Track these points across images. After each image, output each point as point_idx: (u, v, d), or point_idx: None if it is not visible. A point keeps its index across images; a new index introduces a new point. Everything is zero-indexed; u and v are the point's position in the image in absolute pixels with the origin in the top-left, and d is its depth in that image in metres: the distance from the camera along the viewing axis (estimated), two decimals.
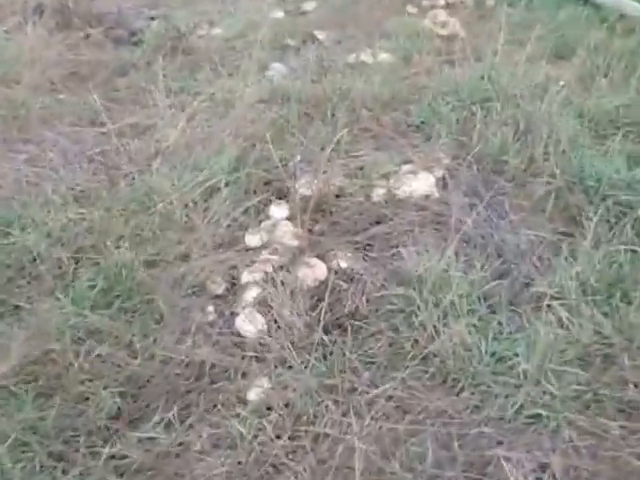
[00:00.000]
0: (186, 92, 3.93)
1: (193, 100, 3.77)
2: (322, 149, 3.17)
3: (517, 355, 2.10)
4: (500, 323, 2.24)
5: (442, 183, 2.88)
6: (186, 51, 4.46)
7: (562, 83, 3.49)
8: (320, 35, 4.53)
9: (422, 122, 3.39)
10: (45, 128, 3.59)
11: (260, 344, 2.24)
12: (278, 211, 2.77)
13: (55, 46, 4.44)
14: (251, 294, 2.38)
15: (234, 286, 2.49)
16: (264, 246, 2.63)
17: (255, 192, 2.93)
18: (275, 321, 2.30)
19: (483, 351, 2.12)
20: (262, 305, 2.36)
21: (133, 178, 3.16)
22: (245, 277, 2.47)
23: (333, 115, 3.48)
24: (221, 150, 3.17)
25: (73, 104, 3.80)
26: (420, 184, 2.80)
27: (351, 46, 4.40)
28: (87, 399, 2.08)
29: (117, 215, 2.81)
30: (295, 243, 2.59)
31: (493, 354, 2.12)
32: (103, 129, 3.57)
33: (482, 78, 3.56)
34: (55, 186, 3.03)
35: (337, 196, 2.86)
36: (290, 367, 2.14)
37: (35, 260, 2.62)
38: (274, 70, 4.12)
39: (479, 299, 2.32)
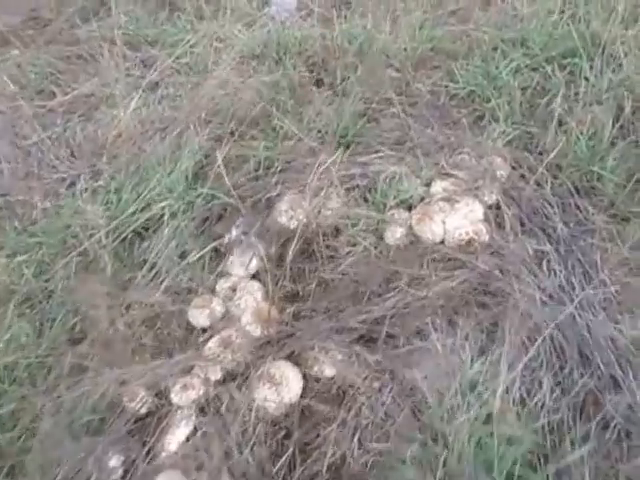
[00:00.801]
0: (160, 43, 2.76)
1: (166, 56, 2.64)
2: (321, 141, 2.04)
3: None
4: None
5: (495, 215, 1.70)
6: None
7: None
8: None
9: (471, 91, 2.14)
10: None
11: None
12: (240, 264, 1.71)
13: None
14: (177, 436, 1.40)
15: (161, 408, 1.51)
16: (215, 327, 1.61)
17: (217, 223, 1.87)
18: None
19: None
20: (191, 458, 1.38)
21: (70, 186, 2.15)
22: (176, 396, 1.47)
23: (345, 79, 2.29)
24: (181, 148, 2.08)
25: (19, 66, 2.72)
26: (459, 220, 1.64)
27: None
28: None
29: (21, 265, 1.83)
30: (257, 332, 1.55)
31: None
32: (49, 102, 2.52)
33: (561, 18, 2.22)
34: None
35: (332, 235, 1.76)
36: None
37: None
38: (276, 5, 2.85)
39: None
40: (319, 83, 2.33)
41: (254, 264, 1.67)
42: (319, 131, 2.03)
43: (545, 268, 1.58)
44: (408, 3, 2.60)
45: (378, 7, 2.62)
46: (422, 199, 1.70)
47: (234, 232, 1.74)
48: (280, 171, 1.89)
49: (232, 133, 2.13)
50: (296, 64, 2.37)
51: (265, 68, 2.38)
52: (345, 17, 2.64)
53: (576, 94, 1.93)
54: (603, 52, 2.02)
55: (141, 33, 2.76)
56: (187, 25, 2.75)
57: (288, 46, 2.47)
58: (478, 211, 1.64)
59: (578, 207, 1.69)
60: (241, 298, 1.61)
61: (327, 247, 1.71)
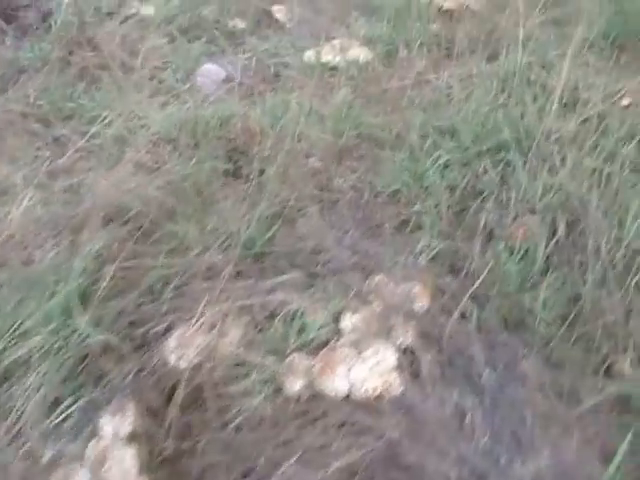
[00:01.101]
0: (77, 119, 2.44)
1: (80, 135, 2.32)
2: (226, 254, 1.73)
3: None
4: None
5: (410, 360, 1.39)
6: (97, 46, 2.90)
7: None
8: (279, 13, 2.85)
9: (397, 190, 1.85)
10: None
11: None
12: (112, 422, 1.39)
13: None
14: None
15: None
16: None
17: (99, 359, 1.55)
18: None
19: None
20: None
21: None
22: None
23: (262, 171, 1.99)
24: (72, 257, 1.76)
25: None
26: (367, 371, 1.34)
27: (319, 30, 2.71)
28: None
29: None
30: None
31: None
32: None
33: (495, 104, 1.93)
34: None
35: (226, 381, 1.44)
36: None
37: None
38: (203, 76, 2.53)
39: None
40: (237, 173, 2.04)
41: (130, 422, 1.35)
42: (224, 240, 1.73)
43: (467, 428, 1.28)
44: (338, 78, 2.33)
45: (307, 82, 2.34)
46: (327, 342, 1.40)
47: (109, 379, 1.42)
48: (173, 297, 1.57)
49: (132, 236, 1.83)
50: (214, 150, 2.07)
51: (178, 155, 2.09)
52: (273, 90, 2.37)
53: (508, 199, 1.65)
54: (538, 147, 1.74)
55: (55, 107, 2.44)
56: (105, 99, 2.45)
57: (208, 127, 2.17)
58: (389, 359, 1.33)
59: (507, 346, 1.40)
60: (110, 469, 1.29)
61: (219, 396, 1.41)
